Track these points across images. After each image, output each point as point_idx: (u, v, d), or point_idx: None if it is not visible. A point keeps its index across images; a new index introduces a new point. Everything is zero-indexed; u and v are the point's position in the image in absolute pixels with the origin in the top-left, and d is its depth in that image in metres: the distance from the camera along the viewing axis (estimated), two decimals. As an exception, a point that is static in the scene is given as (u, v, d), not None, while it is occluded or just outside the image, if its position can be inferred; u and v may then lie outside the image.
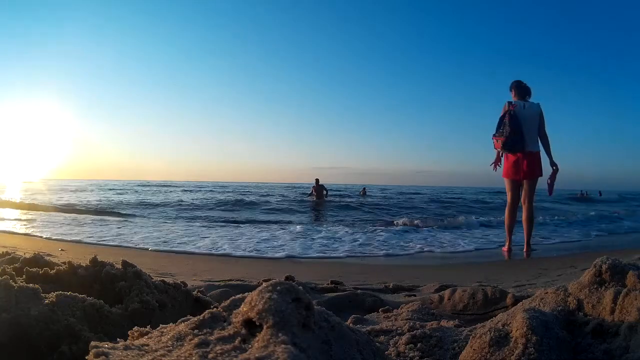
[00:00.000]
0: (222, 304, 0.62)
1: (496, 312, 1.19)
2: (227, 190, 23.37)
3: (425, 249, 4.49)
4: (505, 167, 4.18)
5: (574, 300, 0.80)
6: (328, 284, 1.94)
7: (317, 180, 13.62)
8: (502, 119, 4.06)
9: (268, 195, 18.73)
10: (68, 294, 0.88)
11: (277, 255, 3.96)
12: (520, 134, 3.98)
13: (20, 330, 0.77)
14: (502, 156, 4.23)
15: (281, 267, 3.20)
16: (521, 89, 4.19)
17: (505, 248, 4.25)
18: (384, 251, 4.32)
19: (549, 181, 4.19)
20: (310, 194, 13.98)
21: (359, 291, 1.76)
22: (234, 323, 0.53)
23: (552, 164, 4.18)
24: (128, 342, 0.55)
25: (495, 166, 4.27)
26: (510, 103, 4.10)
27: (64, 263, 1.08)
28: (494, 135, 4.10)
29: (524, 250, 4.13)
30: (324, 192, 13.54)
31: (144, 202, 12.79)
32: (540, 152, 4.13)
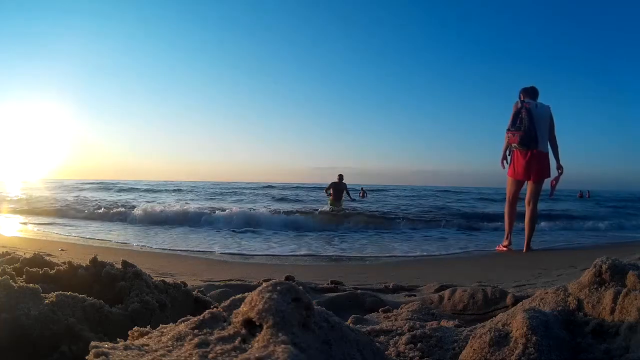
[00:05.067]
0: (222, 304, 0.62)
1: (496, 312, 1.19)
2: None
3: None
4: (515, 167, 4.08)
5: (574, 300, 0.80)
6: (328, 284, 1.94)
7: (340, 176, 10.14)
8: (517, 114, 3.97)
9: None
10: (68, 294, 0.88)
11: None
12: (535, 131, 3.93)
13: (20, 330, 0.77)
14: (509, 154, 4.17)
15: (281, 267, 3.20)
16: (530, 90, 4.16)
17: (503, 246, 4.25)
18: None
19: (553, 183, 4.17)
20: (327, 194, 10.54)
21: (359, 291, 1.76)
22: (234, 323, 0.53)
23: (559, 167, 4.15)
24: (128, 342, 0.55)
25: (503, 164, 4.20)
26: (522, 101, 4.04)
27: (64, 263, 1.08)
28: (510, 130, 3.99)
29: (524, 251, 4.13)
30: (345, 193, 10.29)
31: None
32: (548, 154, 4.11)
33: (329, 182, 10.34)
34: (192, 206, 9.32)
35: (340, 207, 9.91)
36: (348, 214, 8.76)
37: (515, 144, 3.99)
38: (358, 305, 1.57)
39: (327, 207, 10.04)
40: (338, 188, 10.15)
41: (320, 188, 11.24)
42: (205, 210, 7.98)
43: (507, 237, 4.21)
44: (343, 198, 10.33)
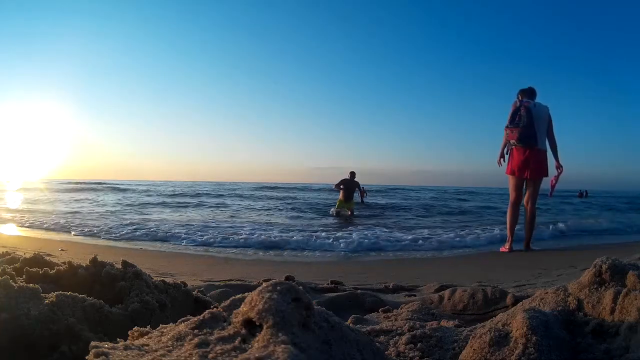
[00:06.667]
0: (222, 304, 0.62)
1: (496, 312, 1.19)
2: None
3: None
4: (513, 164, 4.10)
5: (574, 300, 0.80)
6: (328, 284, 1.94)
7: (352, 173, 8.91)
8: (516, 111, 3.99)
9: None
10: (68, 294, 0.88)
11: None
12: (534, 129, 3.95)
13: (20, 330, 0.77)
14: (507, 153, 4.18)
15: (281, 267, 3.20)
16: (528, 91, 4.17)
17: (506, 247, 4.25)
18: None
19: (552, 182, 4.17)
20: (339, 189, 8.89)
21: (359, 291, 1.76)
22: (234, 323, 0.53)
23: (558, 165, 4.15)
24: (128, 342, 0.55)
25: (500, 161, 4.22)
26: (521, 100, 4.06)
27: (64, 263, 1.08)
28: (508, 126, 4.02)
29: (524, 250, 4.14)
30: (360, 191, 9.06)
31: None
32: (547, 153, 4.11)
33: (339, 180, 8.95)
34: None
35: (350, 208, 8.77)
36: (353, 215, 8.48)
37: (514, 141, 4.01)
38: (358, 305, 1.57)
39: (333, 210, 8.94)
40: (349, 186, 8.79)
41: (322, 188, 10.34)
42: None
43: (509, 239, 4.21)
44: (352, 201, 9.00)
